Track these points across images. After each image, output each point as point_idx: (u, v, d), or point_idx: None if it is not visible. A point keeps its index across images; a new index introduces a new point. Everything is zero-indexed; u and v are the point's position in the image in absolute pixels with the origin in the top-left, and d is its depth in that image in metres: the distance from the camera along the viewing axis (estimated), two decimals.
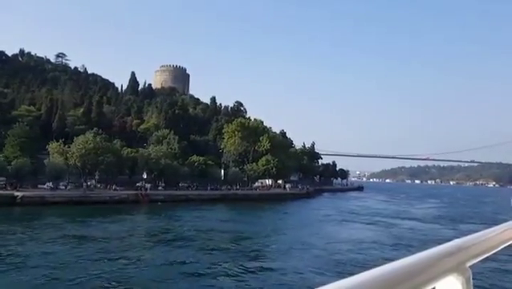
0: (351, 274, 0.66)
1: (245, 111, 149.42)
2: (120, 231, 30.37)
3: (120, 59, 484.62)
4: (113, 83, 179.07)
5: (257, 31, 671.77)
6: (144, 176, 70.41)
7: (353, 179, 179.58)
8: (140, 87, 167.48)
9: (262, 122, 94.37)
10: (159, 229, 32.84)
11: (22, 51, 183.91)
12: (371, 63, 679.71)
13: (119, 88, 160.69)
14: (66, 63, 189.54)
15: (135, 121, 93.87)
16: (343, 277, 0.63)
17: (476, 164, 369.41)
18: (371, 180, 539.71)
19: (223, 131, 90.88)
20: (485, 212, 61.13)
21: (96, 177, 62.47)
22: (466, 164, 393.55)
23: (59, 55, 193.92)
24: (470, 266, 1.05)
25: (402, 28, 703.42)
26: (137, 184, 67.67)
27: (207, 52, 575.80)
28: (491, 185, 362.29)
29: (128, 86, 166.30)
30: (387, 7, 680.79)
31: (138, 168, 67.87)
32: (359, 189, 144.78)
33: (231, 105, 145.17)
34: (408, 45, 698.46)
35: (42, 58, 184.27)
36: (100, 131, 69.35)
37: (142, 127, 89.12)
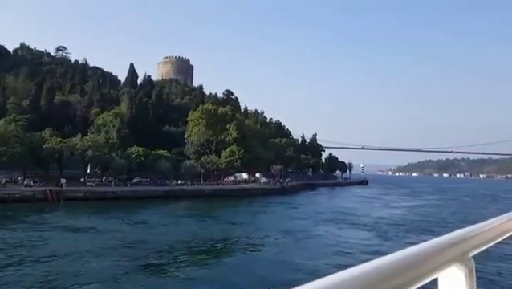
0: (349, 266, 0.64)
1: (237, 101, 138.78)
2: None
3: (125, 52, 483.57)
4: (116, 76, 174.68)
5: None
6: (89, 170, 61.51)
7: (361, 173, 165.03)
8: (141, 79, 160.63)
9: (233, 109, 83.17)
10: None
11: (22, 45, 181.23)
12: (393, 52, 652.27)
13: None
14: (66, 57, 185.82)
15: (94, 110, 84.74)
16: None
17: (508, 157, 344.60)
18: (397, 174, 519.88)
19: (187, 119, 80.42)
20: (481, 215, 47.80)
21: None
22: (498, 157, 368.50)
23: (60, 49, 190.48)
24: (473, 257, 1.03)
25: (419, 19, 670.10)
26: (81, 179, 59.21)
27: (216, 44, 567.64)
28: None
29: (126, 78, 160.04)
30: None
31: (71, 161, 58.78)
32: (363, 183, 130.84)
33: (220, 94, 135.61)
34: (424, 37, 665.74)
35: (42, 51, 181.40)
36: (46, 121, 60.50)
37: (100, 116, 79.75)
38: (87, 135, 65.69)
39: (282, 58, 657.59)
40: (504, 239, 1.32)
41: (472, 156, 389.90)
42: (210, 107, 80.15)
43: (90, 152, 56.03)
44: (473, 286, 1.01)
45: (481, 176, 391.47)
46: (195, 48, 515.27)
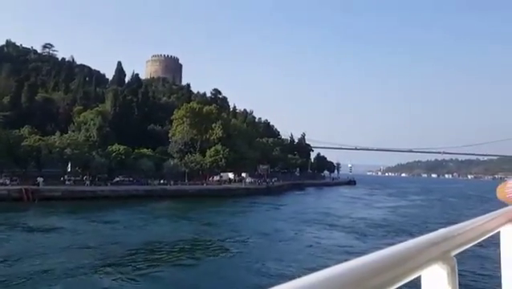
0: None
1: (225, 100, 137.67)
2: None
3: (115, 50, 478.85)
4: (103, 74, 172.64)
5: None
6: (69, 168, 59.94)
7: (349, 173, 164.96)
8: (129, 77, 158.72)
9: (219, 108, 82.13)
10: None
11: (8, 42, 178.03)
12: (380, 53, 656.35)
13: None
14: (52, 54, 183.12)
15: (77, 108, 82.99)
16: None
17: (495, 158, 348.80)
18: (387, 174, 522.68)
19: (171, 118, 79.18)
20: (464, 216, 47.48)
21: None
22: (485, 158, 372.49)
23: (46, 46, 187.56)
24: (455, 255, 1.05)
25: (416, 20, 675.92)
26: (61, 178, 57.73)
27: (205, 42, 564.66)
28: None
29: (113, 76, 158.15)
30: None
31: (51, 160, 57.27)
32: (351, 183, 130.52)
33: (208, 93, 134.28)
34: (424, 37, 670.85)
35: (29, 48, 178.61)
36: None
37: (81, 114, 78.04)
38: (67, 133, 64.39)
39: (281, 58, 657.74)
40: (486, 239, 1.32)
41: (460, 157, 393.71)
42: (195, 105, 78.94)
43: (69, 151, 54.56)
44: (455, 283, 1.02)
45: (468, 176, 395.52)
46: (189, 48, 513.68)
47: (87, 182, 53.03)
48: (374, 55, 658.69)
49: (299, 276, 0.55)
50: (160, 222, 32.75)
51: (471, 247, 1.18)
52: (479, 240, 1.27)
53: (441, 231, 1.05)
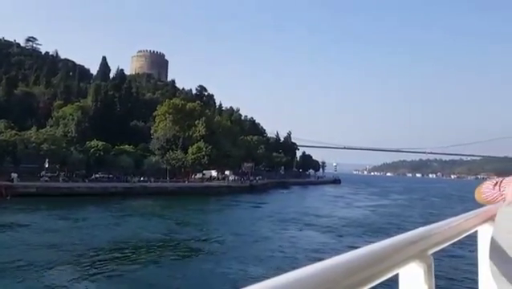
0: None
1: (211, 97, 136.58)
2: None
3: (101, 45, 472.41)
4: (88, 69, 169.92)
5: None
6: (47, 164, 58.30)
7: (335, 172, 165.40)
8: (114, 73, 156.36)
9: (202, 104, 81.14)
10: None
11: None
12: (361, 50, 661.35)
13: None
14: (36, 48, 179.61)
15: (57, 102, 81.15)
16: None
17: (478, 158, 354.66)
18: (372, 173, 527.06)
19: (154, 114, 77.97)
20: (444, 216, 47.51)
21: None
22: (468, 158, 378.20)
23: (29, 39, 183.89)
24: (432, 254, 1.07)
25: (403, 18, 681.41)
26: (37, 174, 56.07)
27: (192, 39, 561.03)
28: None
29: (98, 71, 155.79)
30: None
31: (27, 155, 55.65)
32: (336, 182, 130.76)
33: (194, 90, 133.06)
34: (424, 37, 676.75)
35: (11, 42, 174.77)
36: None
37: (63, 109, 76.31)
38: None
39: (280, 58, 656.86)
40: (463, 238, 1.35)
41: (444, 157, 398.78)
42: (178, 101, 77.85)
43: (45, 146, 53.09)
44: (431, 281, 1.04)
45: (452, 176, 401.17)
46: (179, 46, 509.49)
47: (61, 178, 51.57)
48: (374, 55, 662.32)
49: (268, 278, 0.54)
50: (132, 221, 31.84)
51: (450, 247, 1.19)
52: (456, 239, 1.28)
53: (419, 230, 1.06)
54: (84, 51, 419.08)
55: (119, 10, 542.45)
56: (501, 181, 1.66)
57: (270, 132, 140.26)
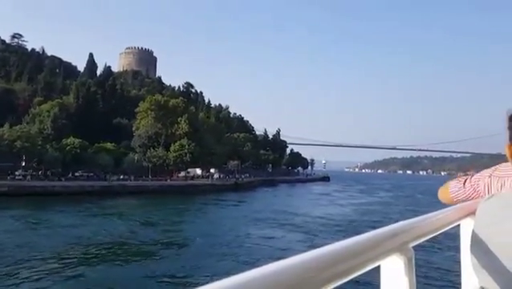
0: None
1: (200, 94, 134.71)
2: None
3: (89, 42, 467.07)
4: (75, 66, 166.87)
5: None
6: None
7: (323, 169, 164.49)
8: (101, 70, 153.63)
9: (185, 101, 79.42)
10: None
11: None
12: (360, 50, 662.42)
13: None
14: (22, 44, 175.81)
15: (37, 99, 79.02)
16: None
17: (468, 155, 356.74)
18: (364, 170, 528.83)
19: (135, 110, 76.19)
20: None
21: None
22: (459, 155, 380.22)
23: (15, 36, 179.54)
24: (413, 247, 1.09)
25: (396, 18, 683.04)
26: (10, 172, 54.08)
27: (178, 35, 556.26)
28: None
29: (85, 68, 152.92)
30: None
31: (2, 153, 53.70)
32: (325, 179, 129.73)
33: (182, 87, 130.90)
34: (424, 37, 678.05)
35: None
36: None
37: (41, 106, 74.17)
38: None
39: (280, 58, 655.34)
40: (443, 232, 1.37)
41: (434, 154, 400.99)
42: (160, 98, 76.14)
43: (18, 144, 51.16)
44: (412, 273, 1.06)
45: (442, 173, 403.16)
46: (173, 43, 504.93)
47: (28, 177, 49.67)
48: (374, 55, 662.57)
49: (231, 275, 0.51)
50: (101, 221, 30.26)
51: (433, 241, 1.27)
52: (438, 232, 1.30)
53: (401, 223, 1.07)
54: (74, 49, 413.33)
55: (114, 10, 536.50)
56: (471, 178, 1.64)
57: (261, 130, 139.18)
